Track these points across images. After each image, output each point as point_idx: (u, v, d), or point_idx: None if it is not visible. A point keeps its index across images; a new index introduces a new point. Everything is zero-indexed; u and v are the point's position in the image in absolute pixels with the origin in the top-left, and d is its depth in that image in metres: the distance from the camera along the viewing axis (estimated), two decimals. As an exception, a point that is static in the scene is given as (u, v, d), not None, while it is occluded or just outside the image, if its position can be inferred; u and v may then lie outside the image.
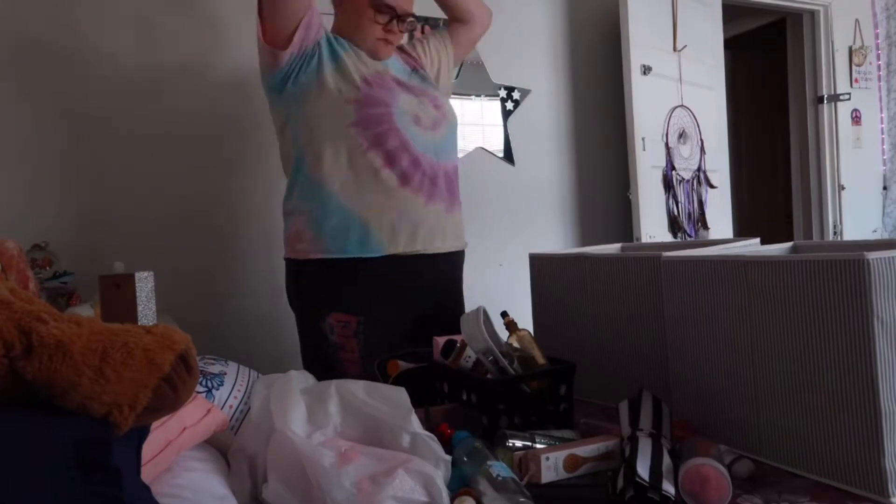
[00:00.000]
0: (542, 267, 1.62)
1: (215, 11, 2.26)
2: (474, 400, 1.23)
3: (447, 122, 1.74)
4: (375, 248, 1.59)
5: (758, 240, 1.51)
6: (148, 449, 0.81)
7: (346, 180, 1.59)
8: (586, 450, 1.06)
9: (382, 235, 1.59)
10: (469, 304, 2.56)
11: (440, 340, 1.39)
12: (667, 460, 1.00)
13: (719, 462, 0.97)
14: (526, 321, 2.07)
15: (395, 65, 1.74)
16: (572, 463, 1.04)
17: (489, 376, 1.25)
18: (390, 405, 1.05)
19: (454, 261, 1.79)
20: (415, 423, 1.02)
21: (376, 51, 1.68)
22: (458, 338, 1.34)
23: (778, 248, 1.41)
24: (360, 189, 1.59)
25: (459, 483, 0.97)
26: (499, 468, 0.97)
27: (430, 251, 1.66)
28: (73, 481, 0.65)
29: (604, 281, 1.46)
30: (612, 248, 1.74)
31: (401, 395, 1.07)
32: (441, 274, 1.72)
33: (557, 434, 1.17)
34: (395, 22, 1.68)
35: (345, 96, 1.58)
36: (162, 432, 0.88)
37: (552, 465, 1.03)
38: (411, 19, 1.71)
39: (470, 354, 1.30)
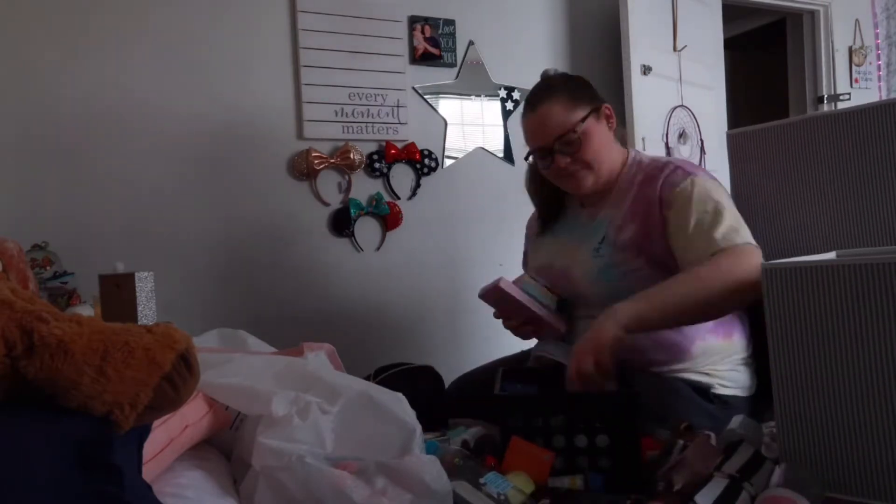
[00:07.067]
0: None
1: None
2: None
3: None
4: None
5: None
6: (149, 447, 0.82)
7: None
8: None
9: None
10: (468, 303, 2.56)
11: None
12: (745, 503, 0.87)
13: (808, 491, 0.85)
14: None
15: (586, 227, 1.49)
16: None
17: None
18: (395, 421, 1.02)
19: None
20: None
21: (565, 190, 1.51)
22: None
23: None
24: None
25: None
26: (493, 484, 0.96)
27: None
28: (75, 480, 0.66)
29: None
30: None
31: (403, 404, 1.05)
32: None
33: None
34: (550, 158, 1.42)
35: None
36: (163, 431, 0.88)
37: None
38: (561, 145, 1.40)
39: None
